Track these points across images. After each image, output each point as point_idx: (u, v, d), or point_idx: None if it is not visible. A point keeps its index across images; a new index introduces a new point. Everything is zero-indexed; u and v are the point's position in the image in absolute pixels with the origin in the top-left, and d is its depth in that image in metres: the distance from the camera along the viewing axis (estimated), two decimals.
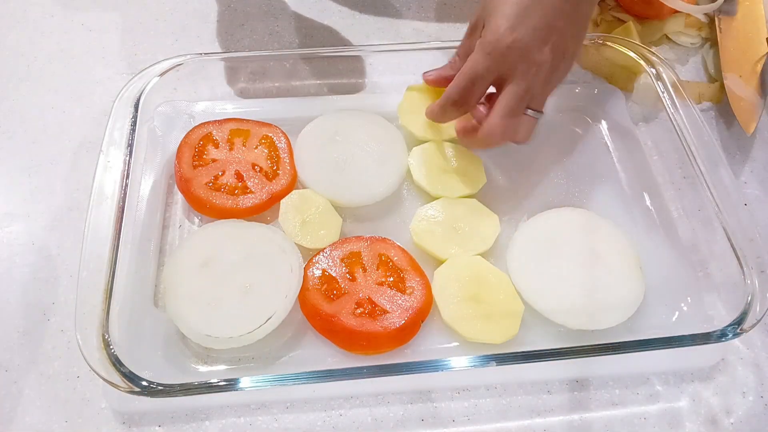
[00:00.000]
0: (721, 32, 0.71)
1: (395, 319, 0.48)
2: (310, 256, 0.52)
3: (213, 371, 0.49)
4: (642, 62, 0.62)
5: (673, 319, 0.52)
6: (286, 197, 0.55)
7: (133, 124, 0.55)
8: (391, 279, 0.51)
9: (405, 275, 0.51)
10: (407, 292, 0.50)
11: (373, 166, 0.58)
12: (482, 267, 0.52)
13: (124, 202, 0.50)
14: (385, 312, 0.49)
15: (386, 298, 0.50)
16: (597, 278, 0.52)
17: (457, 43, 0.59)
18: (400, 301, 0.49)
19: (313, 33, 0.74)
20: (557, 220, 0.55)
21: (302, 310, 0.50)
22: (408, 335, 0.49)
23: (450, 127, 0.60)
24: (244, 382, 0.43)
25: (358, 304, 0.49)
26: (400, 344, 0.49)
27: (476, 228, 0.54)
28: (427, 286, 0.51)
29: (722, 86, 0.66)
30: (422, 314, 0.50)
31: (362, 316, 0.49)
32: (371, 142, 0.60)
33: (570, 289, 0.51)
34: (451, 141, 0.60)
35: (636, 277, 0.52)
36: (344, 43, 0.73)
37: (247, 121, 0.60)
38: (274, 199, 0.56)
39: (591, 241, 0.54)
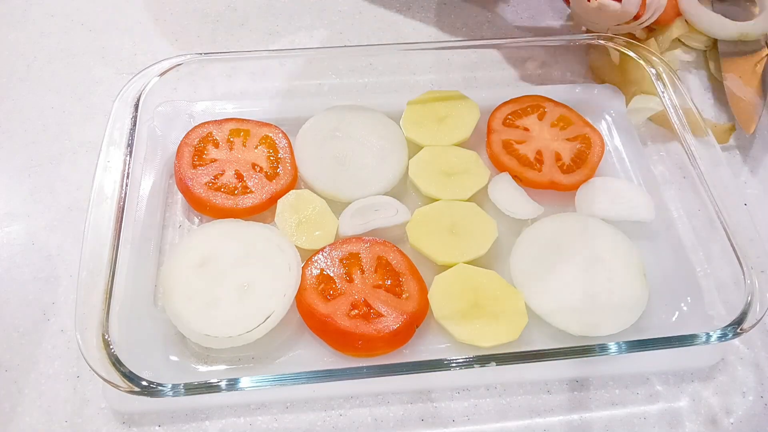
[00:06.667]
0: None
1: (390, 322, 0.48)
2: (307, 256, 0.53)
3: (213, 371, 0.49)
4: (642, 62, 0.62)
5: (673, 319, 0.52)
6: (283, 197, 0.56)
7: (133, 124, 0.55)
8: (389, 282, 0.51)
9: (402, 279, 0.51)
10: (403, 296, 0.50)
11: (373, 161, 0.58)
12: (486, 277, 0.52)
13: (124, 202, 0.50)
14: (380, 315, 0.49)
15: (382, 301, 0.50)
16: (600, 285, 0.52)
17: (457, 43, 0.59)
18: (395, 305, 0.49)
19: (313, 33, 0.74)
20: (561, 226, 0.55)
21: (298, 309, 0.50)
22: (402, 340, 0.49)
23: (453, 135, 0.60)
24: (244, 382, 0.43)
25: (354, 306, 0.49)
26: (393, 348, 0.49)
27: (473, 232, 0.54)
28: (423, 291, 0.51)
29: (731, 129, 0.65)
30: (417, 319, 0.49)
31: (357, 318, 0.49)
32: (371, 138, 0.60)
33: (573, 296, 0.51)
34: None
35: (640, 285, 0.52)
36: (344, 43, 0.73)
37: (247, 121, 0.60)
38: (274, 199, 0.56)
39: (595, 248, 0.54)
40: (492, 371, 0.49)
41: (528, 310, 0.50)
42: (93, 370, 0.43)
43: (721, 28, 0.70)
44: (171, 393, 0.43)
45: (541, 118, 0.62)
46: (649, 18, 0.69)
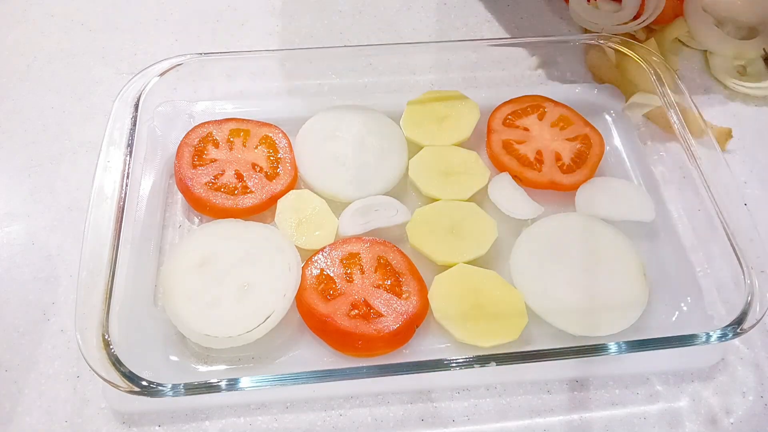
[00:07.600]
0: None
1: (389, 322, 0.48)
2: (307, 256, 0.53)
3: (213, 371, 0.49)
4: (641, 62, 0.62)
5: (673, 319, 0.52)
6: (283, 197, 0.56)
7: (133, 124, 0.55)
8: (389, 282, 0.51)
9: (402, 279, 0.51)
10: (403, 296, 0.50)
11: (373, 161, 0.58)
12: (486, 277, 0.52)
13: (124, 202, 0.50)
14: (380, 315, 0.49)
15: (382, 301, 0.50)
16: (600, 285, 0.52)
17: (457, 43, 0.59)
18: (395, 305, 0.49)
19: (313, 33, 0.74)
20: (561, 226, 0.55)
21: (298, 309, 0.50)
22: (402, 340, 0.49)
23: (453, 135, 0.60)
24: (244, 382, 0.43)
25: (354, 306, 0.49)
26: (393, 348, 0.49)
27: (473, 232, 0.54)
28: (423, 292, 0.51)
29: (728, 133, 0.65)
30: (417, 319, 0.49)
31: (356, 318, 0.49)
32: (371, 138, 0.60)
33: (573, 296, 0.51)
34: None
35: (640, 285, 0.52)
36: (344, 43, 0.73)
37: (247, 121, 0.60)
38: (274, 200, 0.56)
39: (595, 248, 0.54)
40: (492, 371, 0.49)
41: (528, 310, 0.50)
42: (93, 370, 0.43)
43: (719, 44, 0.70)
44: (171, 393, 0.43)
45: (541, 118, 0.62)
46: (648, 18, 0.69)
